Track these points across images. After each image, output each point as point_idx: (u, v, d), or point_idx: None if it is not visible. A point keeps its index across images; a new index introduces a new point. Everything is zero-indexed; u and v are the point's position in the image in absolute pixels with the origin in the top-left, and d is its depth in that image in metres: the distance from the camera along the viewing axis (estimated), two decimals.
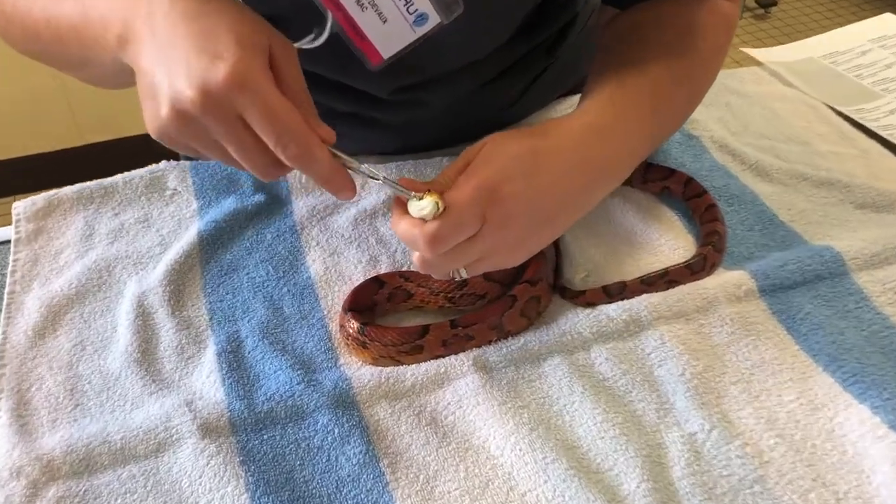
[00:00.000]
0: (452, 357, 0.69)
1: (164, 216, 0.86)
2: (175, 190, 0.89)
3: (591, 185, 0.68)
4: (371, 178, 0.61)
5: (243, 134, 0.57)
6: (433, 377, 0.68)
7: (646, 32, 0.78)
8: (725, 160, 0.92)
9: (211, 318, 0.75)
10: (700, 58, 0.77)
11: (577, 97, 0.99)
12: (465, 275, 0.65)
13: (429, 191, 0.60)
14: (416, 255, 0.63)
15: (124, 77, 0.64)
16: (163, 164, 0.91)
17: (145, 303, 0.76)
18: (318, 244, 0.83)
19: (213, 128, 0.56)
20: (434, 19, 0.67)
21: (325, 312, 0.75)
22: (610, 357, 0.69)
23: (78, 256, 0.82)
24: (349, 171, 0.61)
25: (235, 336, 0.73)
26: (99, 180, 0.89)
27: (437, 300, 0.74)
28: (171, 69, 0.56)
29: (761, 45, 1.55)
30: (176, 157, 0.94)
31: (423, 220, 0.60)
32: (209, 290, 0.78)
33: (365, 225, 0.84)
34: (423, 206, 0.60)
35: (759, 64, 1.09)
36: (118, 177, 0.90)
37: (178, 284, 0.78)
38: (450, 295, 0.73)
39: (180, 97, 0.55)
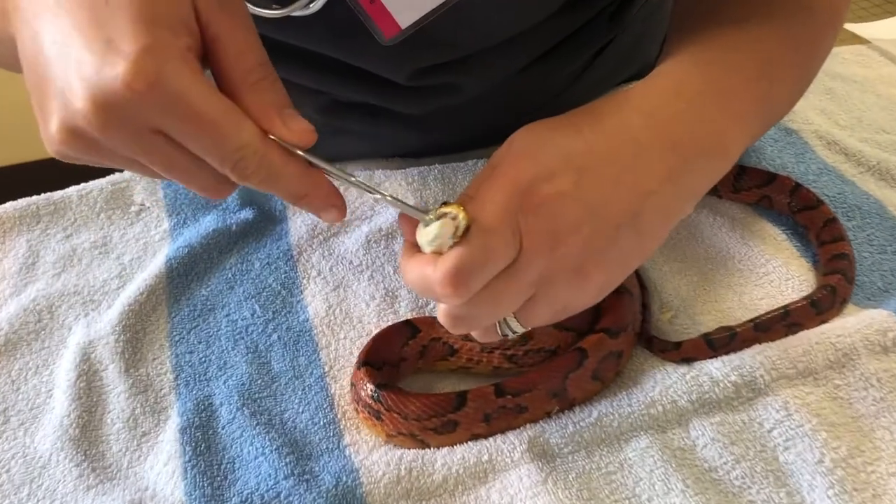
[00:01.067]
0: (499, 438, 0.50)
1: (127, 239, 0.68)
2: (142, 205, 0.71)
3: (679, 172, 0.47)
4: (367, 192, 0.43)
5: (168, 150, 0.39)
6: (472, 468, 0.49)
7: None
8: (837, 161, 0.73)
9: (176, 378, 0.57)
10: (814, 21, 0.58)
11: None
12: (518, 328, 0.46)
13: (444, 203, 0.42)
14: (440, 309, 0.44)
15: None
16: (127, 172, 0.73)
17: (92, 356, 0.58)
18: (319, 274, 0.64)
19: (123, 148, 0.38)
20: None
21: (326, 369, 0.57)
22: (717, 436, 0.50)
23: (13, 293, 0.64)
24: (338, 185, 0.42)
25: (206, 403, 0.55)
26: (48, 194, 0.72)
27: (490, 359, 0.55)
28: (61, 63, 0.38)
29: (858, 20, 1.34)
30: None
31: (439, 252, 0.42)
32: (176, 339, 0.60)
33: (380, 248, 0.66)
34: (430, 231, 0.42)
35: (863, 42, 0.89)
36: (72, 189, 0.72)
37: (136, 331, 0.60)
38: (509, 352, 0.54)
39: (70, 110, 0.37)
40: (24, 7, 0.40)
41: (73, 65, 0.37)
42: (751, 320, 0.55)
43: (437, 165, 0.72)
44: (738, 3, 0.56)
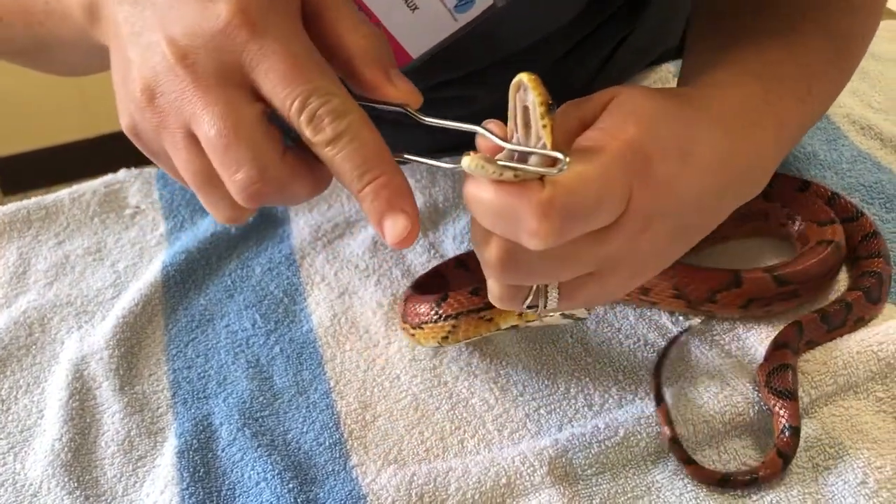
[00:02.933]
0: (517, 459, 0.47)
1: (122, 244, 0.65)
2: (137, 208, 0.68)
3: (728, 190, 0.44)
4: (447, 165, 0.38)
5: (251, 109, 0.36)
6: (489, 493, 0.46)
7: None
8: (871, 147, 0.68)
9: (174, 396, 0.54)
10: (854, 17, 0.53)
11: (667, 66, 0.77)
12: (554, 303, 0.40)
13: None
14: (495, 245, 0.37)
15: (98, 61, 0.45)
16: (122, 173, 0.70)
17: (86, 373, 0.55)
18: (323, 280, 0.61)
19: (197, 98, 0.36)
20: (484, 1, 0.46)
21: (332, 384, 0.53)
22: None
23: (3, 305, 0.61)
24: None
25: (206, 423, 0.52)
26: (39, 198, 0.68)
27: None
28: (148, 26, 0.37)
29: None
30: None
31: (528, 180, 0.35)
32: (174, 353, 0.57)
33: (387, 251, 0.62)
34: (531, 152, 0.34)
35: (894, 16, 0.84)
36: (64, 192, 0.69)
37: (131, 345, 0.57)
38: None
39: (156, 59, 0.36)
40: None
41: (170, 19, 0.36)
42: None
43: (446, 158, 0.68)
44: (782, 3, 0.52)
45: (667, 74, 0.77)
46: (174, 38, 0.36)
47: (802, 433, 0.47)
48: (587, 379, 0.52)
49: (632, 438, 0.47)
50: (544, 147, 0.34)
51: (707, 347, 0.53)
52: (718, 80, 0.46)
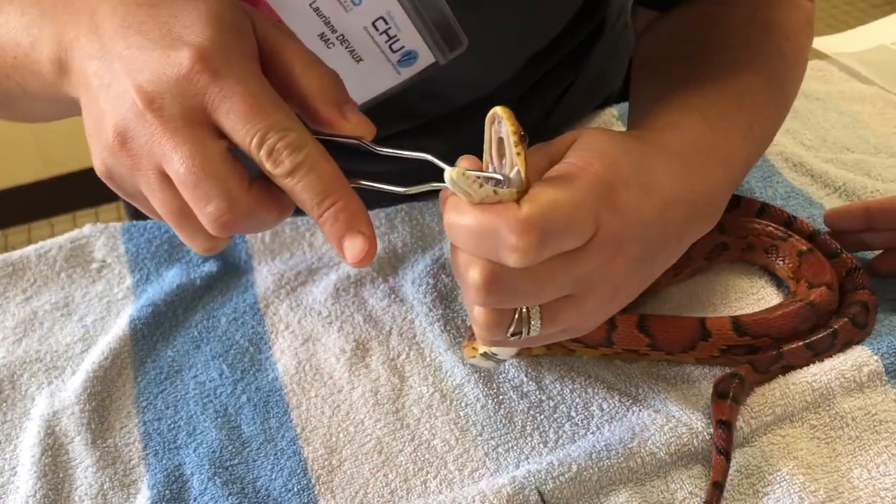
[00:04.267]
0: (477, 498, 0.49)
1: (90, 298, 0.67)
2: (103, 262, 0.69)
3: (689, 222, 0.48)
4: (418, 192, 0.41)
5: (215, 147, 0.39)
6: None
7: (709, 35, 0.58)
8: (804, 183, 0.73)
9: (145, 448, 0.56)
10: (784, 63, 0.58)
11: (610, 110, 0.81)
12: (537, 327, 0.43)
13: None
14: (479, 269, 0.39)
15: (64, 108, 0.48)
16: (87, 228, 0.71)
17: (57, 429, 0.56)
18: (287, 328, 0.63)
19: (166, 140, 0.39)
20: (426, 58, 0.50)
21: (298, 431, 0.56)
22: (695, 490, 0.50)
23: None
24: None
25: (177, 473, 0.53)
26: (5, 255, 0.70)
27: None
28: (117, 77, 0.40)
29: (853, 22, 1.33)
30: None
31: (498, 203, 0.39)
32: (143, 405, 0.58)
33: (349, 297, 0.65)
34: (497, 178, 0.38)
35: (822, 56, 0.89)
36: (30, 248, 0.70)
37: (102, 398, 0.58)
38: None
39: (125, 107, 0.39)
40: (86, 46, 0.42)
41: (136, 69, 0.39)
42: (748, 361, 0.54)
43: (403, 206, 0.71)
44: (710, 53, 0.56)
45: (610, 118, 0.81)
46: (141, 85, 0.39)
47: (742, 461, 0.50)
48: (542, 417, 0.55)
49: (584, 473, 0.50)
50: (518, 174, 0.38)
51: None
52: (668, 120, 0.50)
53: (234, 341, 0.62)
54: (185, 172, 0.38)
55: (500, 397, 0.56)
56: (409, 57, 0.53)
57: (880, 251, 0.62)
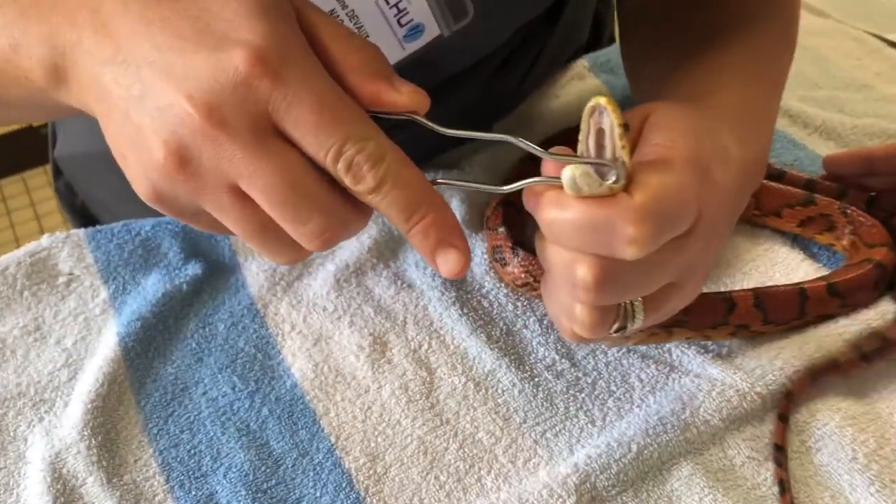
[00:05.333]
0: (544, 491, 0.48)
1: (63, 318, 0.60)
2: (71, 275, 0.63)
3: (750, 187, 0.48)
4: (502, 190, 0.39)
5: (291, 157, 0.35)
6: None
7: None
8: (783, 125, 0.73)
9: (167, 479, 0.51)
10: (790, 7, 0.57)
11: (581, 62, 0.79)
12: (641, 317, 0.42)
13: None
14: (589, 266, 0.37)
15: (49, 114, 0.42)
16: (45, 239, 0.64)
17: (64, 471, 0.51)
18: (293, 328, 0.59)
19: (240, 156, 0.34)
20: (432, 31, 0.47)
21: (333, 440, 0.52)
22: (752, 454, 0.50)
23: None
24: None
25: (211, 502, 0.50)
26: None
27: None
28: (155, 86, 0.34)
29: None
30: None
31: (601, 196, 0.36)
32: (154, 432, 0.54)
33: (352, 288, 0.61)
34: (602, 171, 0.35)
35: None
36: None
37: (107, 430, 0.53)
38: None
39: (176, 121, 0.34)
40: (94, 49, 0.36)
41: (179, 76, 0.33)
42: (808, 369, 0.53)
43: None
44: (710, 7, 0.54)
45: (581, 69, 0.79)
46: (193, 95, 0.34)
47: (791, 420, 0.51)
48: (583, 396, 0.54)
49: (645, 452, 0.49)
50: (623, 166, 0.35)
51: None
52: (709, 86, 0.48)
53: (238, 349, 0.58)
54: (274, 192, 0.34)
55: (536, 379, 0.55)
56: (415, 31, 0.50)
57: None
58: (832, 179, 0.63)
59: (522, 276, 0.58)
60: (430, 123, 0.39)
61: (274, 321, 0.60)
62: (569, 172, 0.35)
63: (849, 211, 0.59)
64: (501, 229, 0.60)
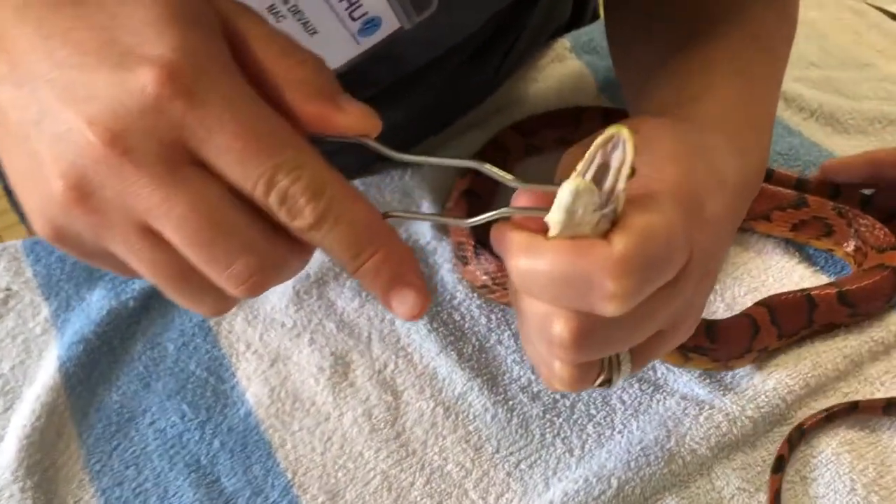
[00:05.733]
0: None
1: (0, 339, 0.56)
2: (9, 290, 0.58)
3: (748, 203, 0.43)
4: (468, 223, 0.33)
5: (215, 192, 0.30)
6: None
7: None
8: (778, 109, 0.68)
9: None
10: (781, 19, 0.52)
11: (561, 42, 0.74)
12: (625, 372, 0.37)
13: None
14: (563, 323, 0.32)
15: None
16: None
17: None
18: (248, 347, 0.55)
19: (149, 190, 0.29)
20: (390, 24, 0.41)
21: (290, 476, 0.48)
22: (742, 485, 0.46)
23: None
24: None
25: None
26: None
27: None
28: (53, 109, 0.29)
29: None
30: None
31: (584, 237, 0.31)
32: (97, 468, 0.49)
33: (313, 301, 0.57)
34: (583, 201, 0.30)
35: None
36: None
37: (44, 468, 0.49)
38: None
39: (76, 149, 0.29)
40: None
41: (80, 97, 0.29)
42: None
43: (356, 182, 0.62)
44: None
45: (562, 50, 0.73)
46: (94, 120, 0.29)
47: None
48: (560, 420, 0.50)
49: (626, 487, 0.45)
50: (614, 212, 0.31)
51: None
52: (702, 87, 0.43)
53: (189, 372, 0.54)
54: (190, 230, 0.29)
55: (510, 402, 0.51)
56: (371, 25, 0.45)
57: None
58: (822, 180, 0.59)
59: (483, 278, 0.54)
60: (382, 148, 0.34)
61: (228, 340, 0.55)
62: (572, 185, 0.29)
63: (845, 212, 0.54)
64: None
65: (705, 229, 0.35)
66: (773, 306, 0.50)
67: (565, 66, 0.72)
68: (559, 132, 0.64)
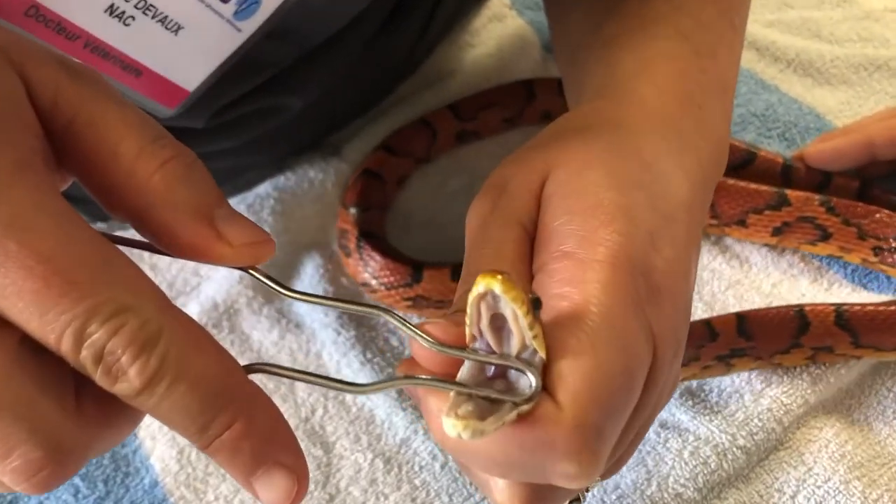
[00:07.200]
0: None
1: None
2: None
3: (707, 204, 0.35)
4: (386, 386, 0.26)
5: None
6: None
7: None
8: (749, 60, 0.60)
9: None
10: None
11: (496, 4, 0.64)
12: (595, 486, 0.35)
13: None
14: (513, 498, 0.26)
15: None
16: None
17: None
18: None
19: None
20: (272, 1, 0.32)
21: None
22: None
23: None
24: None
25: None
26: None
27: None
28: None
29: None
30: None
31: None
32: None
33: (224, 333, 0.49)
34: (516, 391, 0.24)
35: None
36: None
37: None
38: None
39: None
40: None
41: None
42: None
43: (272, 192, 0.53)
44: None
45: (501, 8, 0.64)
46: None
47: (783, 477, 0.40)
48: None
49: None
50: (535, 353, 0.24)
51: None
52: (642, 63, 0.35)
53: None
54: None
55: None
56: (248, 4, 0.36)
57: None
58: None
59: (364, 275, 0.48)
60: (271, 283, 0.26)
61: None
62: (452, 427, 0.22)
63: (836, 206, 0.46)
64: (353, 210, 0.50)
65: (664, 302, 0.27)
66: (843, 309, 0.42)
67: (505, 25, 0.63)
68: (506, 111, 0.55)
